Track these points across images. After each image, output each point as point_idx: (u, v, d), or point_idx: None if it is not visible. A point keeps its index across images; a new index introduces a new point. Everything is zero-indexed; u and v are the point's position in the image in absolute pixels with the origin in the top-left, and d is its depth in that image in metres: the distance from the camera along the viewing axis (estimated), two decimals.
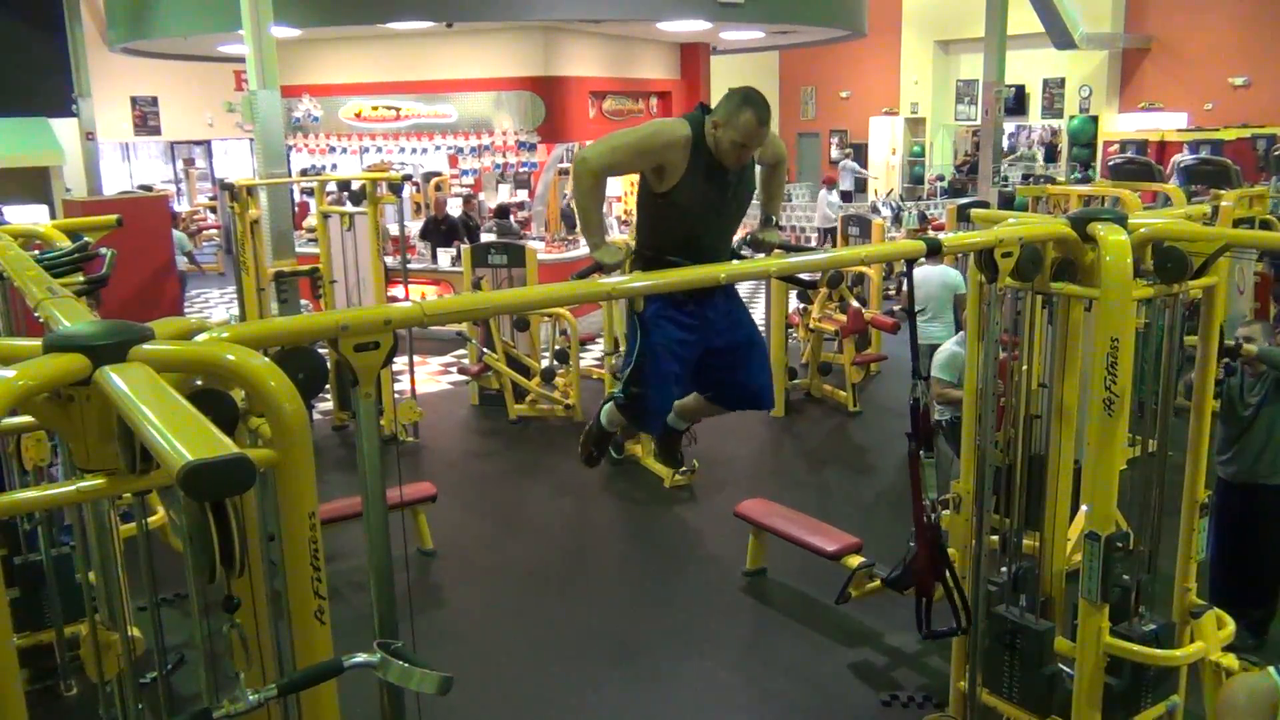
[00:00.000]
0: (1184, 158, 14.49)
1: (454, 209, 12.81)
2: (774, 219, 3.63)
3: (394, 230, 9.40)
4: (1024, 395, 3.75)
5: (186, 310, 13.02)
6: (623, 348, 5.12)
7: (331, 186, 11.44)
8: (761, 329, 9.58)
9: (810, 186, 22.69)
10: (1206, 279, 3.42)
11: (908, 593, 4.60)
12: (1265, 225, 7.50)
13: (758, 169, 3.53)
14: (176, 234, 12.89)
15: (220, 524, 1.48)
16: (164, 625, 2.59)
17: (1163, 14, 19.02)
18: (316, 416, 8.27)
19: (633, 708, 4.57)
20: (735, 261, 3.62)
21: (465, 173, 14.06)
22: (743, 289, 12.72)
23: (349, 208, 8.70)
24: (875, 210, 15.31)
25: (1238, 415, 4.62)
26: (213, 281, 16.22)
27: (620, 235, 11.97)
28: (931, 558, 3.43)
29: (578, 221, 3.31)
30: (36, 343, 1.77)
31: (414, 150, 13.49)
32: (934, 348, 9.20)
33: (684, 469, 7.05)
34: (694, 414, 3.84)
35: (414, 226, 12.54)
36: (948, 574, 3.46)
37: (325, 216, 8.43)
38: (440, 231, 12.07)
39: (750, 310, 3.90)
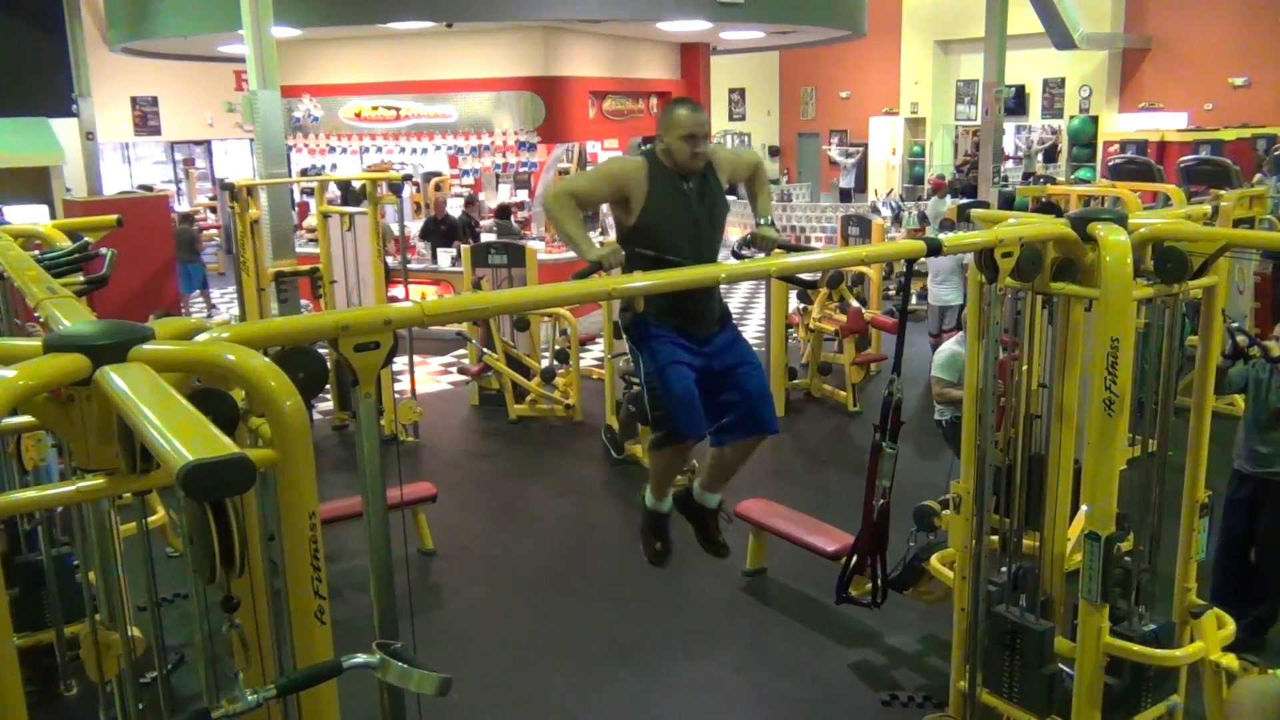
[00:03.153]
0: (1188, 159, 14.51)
1: (454, 209, 12.81)
2: (768, 219, 3.64)
3: (395, 230, 9.40)
4: (1024, 395, 3.75)
5: (186, 311, 13.03)
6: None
7: (333, 188, 11.44)
8: (761, 329, 9.59)
9: (810, 186, 22.70)
10: (1206, 279, 3.42)
11: (907, 592, 4.63)
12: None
13: (727, 185, 3.56)
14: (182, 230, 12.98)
15: (220, 524, 1.48)
16: (164, 625, 2.60)
17: (1163, 14, 19.02)
18: (316, 416, 8.27)
19: (633, 707, 4.57)
20: (734, 261, 3.64)
21: (465, 173, 14.06)
22: (743, 289, 12.76)
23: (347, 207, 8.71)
24: (875, 210, 15.30)
25: (1269, 406, 4.59)
26: (213, 281, 16.21)
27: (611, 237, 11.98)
28: (873, 538, 3.69)
29: (565, 242, 3.32)
30: (36, 343, 1.77)
31: (414, 150, 13.49)
32: (944, 309, 9.37)
33: (685, 469, 7.03)
34: (717, 473, 3.71)
35: (414, 227, 12.54)
36: (879, 558, 3.75)
37: (325, 216, 8.43)
38: (440, 232, 12.07)
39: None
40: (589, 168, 3.41)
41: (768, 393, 3.66)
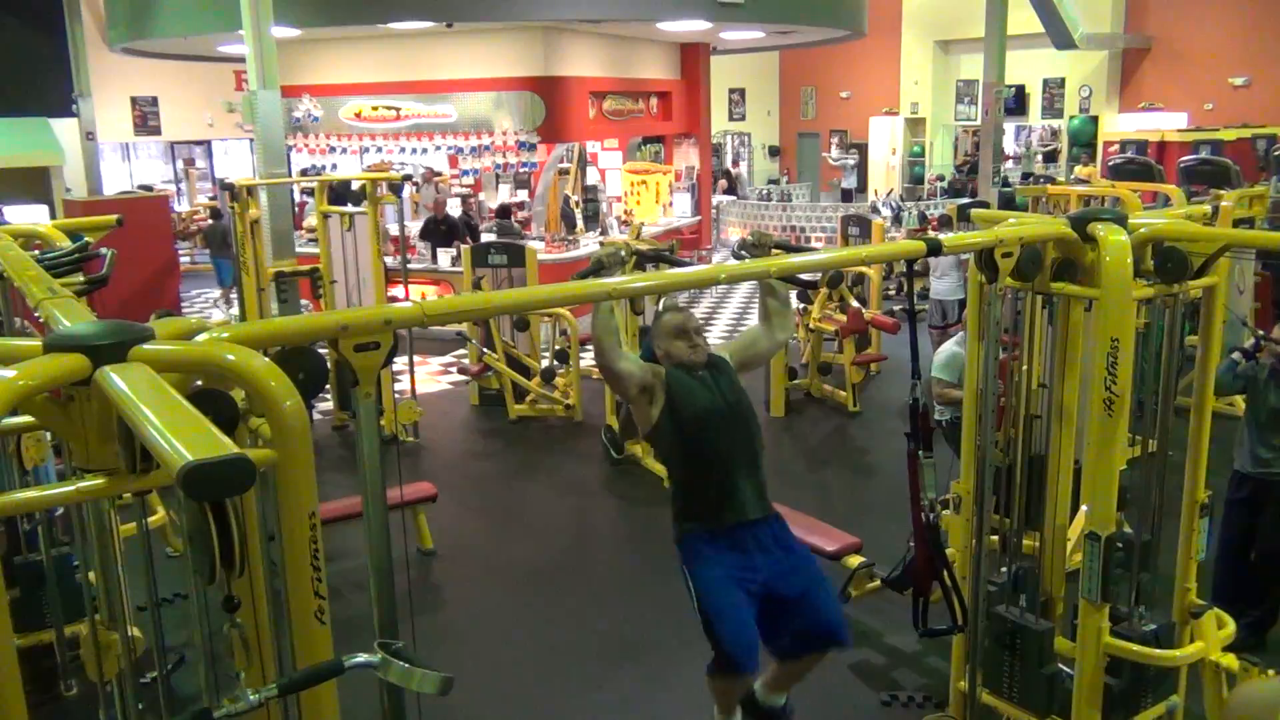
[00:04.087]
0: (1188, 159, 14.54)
1: (453, 209, 12.82)
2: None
3: (393, 230, 9.41)
4: (1024, 395, 3.75)
5: (185, 310, 13.04)
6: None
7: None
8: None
9: (810, 186, 22.71)
10: (1206, 279, 3.42)
11: (907, 593, 4.62)
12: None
13: (739, 365, 3.64)
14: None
15: (220, 524, 1.48)
16: (164, 625, 2.60)
17: (1163, 14, 19.02)
18: (316, 416, 8.27)
19: (633, 707, 4.57)
20: (733, 262, 3.64)
21: (465, 173, 14.06)
22: (743, 289, 12.76)
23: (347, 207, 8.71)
24: (875, 210, 15.30)
25: (1270, 407, 4.59)
26: (213, 281, 16.20)
27: (620, 235, 11.98)
28: (929, 558, 3.44)
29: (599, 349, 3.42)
30: (36, 343, 1.77)
31: (414, 150, 13.49)
32: (941, 303, 9.39)
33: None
34: (783, 681, 3.61)
35: (414, 226, 12.55)
36: (946, 574, 3.46)
37: (325, 216, 8.43)
38: (440, 232, 12.07)
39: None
40: None
41: (834, 602, 3.53)
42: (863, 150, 22.72)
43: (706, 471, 3.39)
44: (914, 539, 3.45)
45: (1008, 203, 12.48)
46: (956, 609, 3.52)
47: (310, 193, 10.95)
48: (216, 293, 14.32)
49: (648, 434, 3.56)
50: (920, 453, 3.23)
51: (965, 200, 12.71)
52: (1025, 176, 17.80)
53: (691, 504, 3.45)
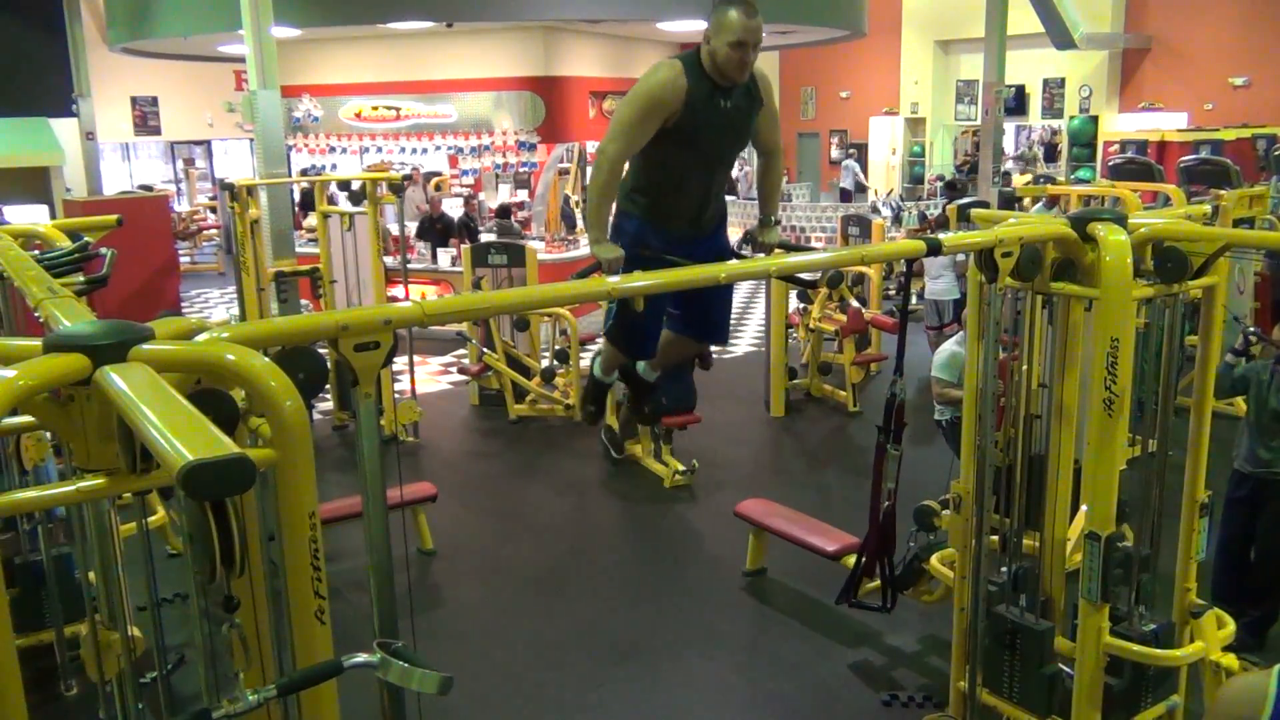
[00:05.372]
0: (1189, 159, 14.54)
1: (449, 209, 12.80)
2: (773, 218, 3.63)
3: (394, 230, 9.41)
4: (1024, 395, 3.75)
5: (185, 310, 13.04)
6: None
7: (333, 189, 11.45)
8: (761, 329, 9.59)
9: (810, 186, 22.70)
10: (1206, 279, 3.42)
11: (907, 593, 4.63)
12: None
13: (754, 159, 3.62)
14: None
15: (220, 524, 1.48)
16: (164, 625, 2.60)
17: (1163, 14, 19.02)
18: (316, 416, 8.27)
19: (633, 707, 4.57)
20: (734, 261, 3.65)
21: (465, 173, 14.07)
22: (742, 289, 12.76)
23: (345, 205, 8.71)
24: (875, 210, 15.30)
25: (1271, 408, 4.59)
26: (213, 281, 16.22)
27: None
28: (881, 541, 3.79)
29: (586, 212, 3.33)
30: (36, 343, 1.76)
31: (414, 150, 13.49)
32: (937, 303, 9.40)
33: (684, 469, 7.05)
34: (661, 356, 3.81)
35: (411, 226, 12.54)
36: (887, 561, 3.87)
37: (325, 216, 8.43)
38: (436, 231, 12.07)
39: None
40: (624, 101, 3.31)
41: (728, 308, 3.80)
42: (863, 150, 22.73)
43: (678, 189, 3.32)
44: (870, 522, 3.75)
45: (1008, 203, 12.48)
46: (889, 593, 4.12)
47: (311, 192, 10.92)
48: (216, 293, 14.34)
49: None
50: (889, 446, 3.39)
51: (965, 200, 12.68)
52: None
53: (648, 193, 3.34)
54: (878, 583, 4.77)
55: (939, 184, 17.12)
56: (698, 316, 3.68)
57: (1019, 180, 15.38)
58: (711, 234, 3.53)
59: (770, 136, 3.50)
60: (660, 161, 3.28)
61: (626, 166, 3.32)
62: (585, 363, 8.87)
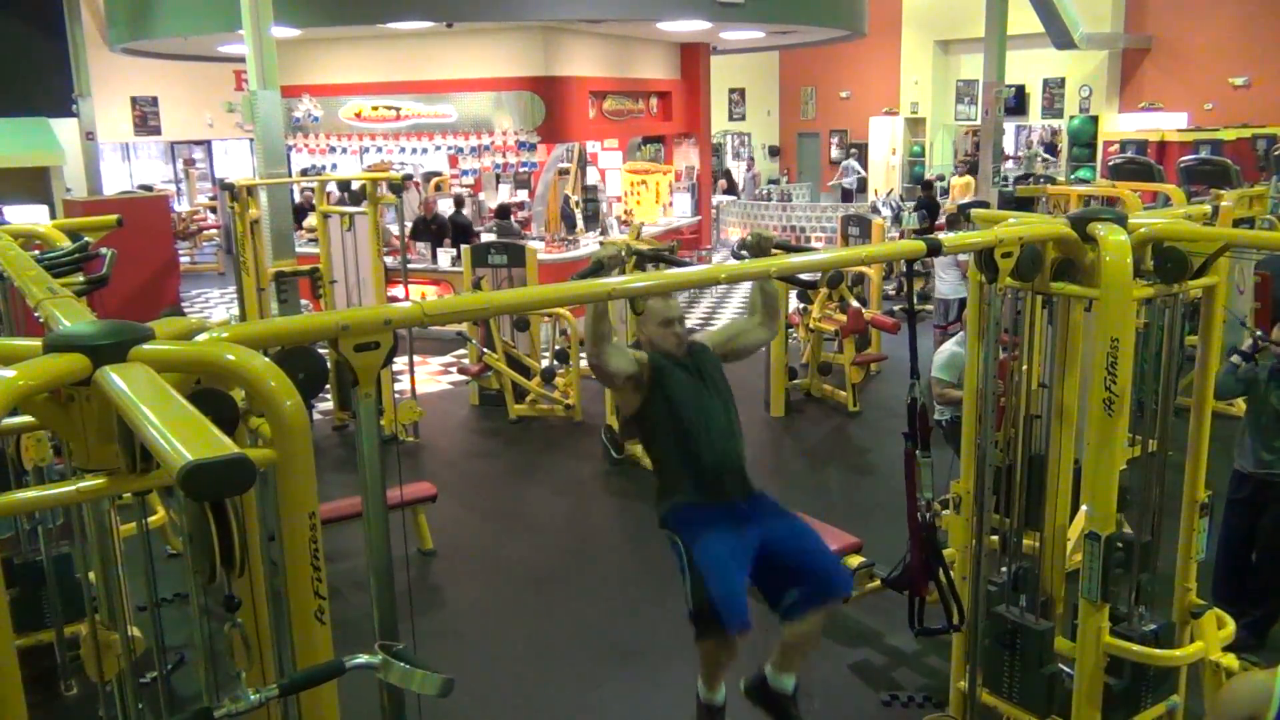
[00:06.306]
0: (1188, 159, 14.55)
1: (444, 209, 12.80)
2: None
3: (394, 230, 9.41)
4: (1024, 395, 3.75)
5: (187, 310, 13.03)
6: None
7: (332, 187, 11.44)
8: None
9: (810, 186, 22.70)
10: (1206, 279, 3.42)
11: (906, 592, 4.62)
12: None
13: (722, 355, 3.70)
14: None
15: (220, 524, 1.48)
16: (164, 625, 2.60)
17: (1163, 14, 19.02)
18: (316, 416, 8.27)
19: (633, 708, 4.57)
20: (734, 262, 3.64)
21: (465, 173, 14.06)
22: (742, 289, 12.74)
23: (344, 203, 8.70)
24: (875, 210, 15.30)
25: (1272, 409, 4.59)
26: (213, 281, 16.22)
27: (620, 235, 11.97)
28: (925, 558, 3.43)
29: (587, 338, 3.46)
30: (36, 343, 1.76)
31: (414, 150, 13.49)
32: (945, 302, 9.45)
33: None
34: (791, 652, 3.50)
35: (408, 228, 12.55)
36: (942, 574, 3.46)
37: (325, 216, 8.43)
38: (430, 231, 12.07)
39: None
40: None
41: (829, 552, 3.56)
42: (863, 150, 22.73)
43: (691, 453, 3.41)
44: (910, 539, 3.45)
45: (1008, 203, 12.48)
46: (953, 610, 3.51)
47: (311, 192, 10.92)
48: (216, 293, 14.34)
49: (630, 417, 3.57)
50: (918, 453, 3.24)
51: (965, 200, 12.67)
52: (1024, 176, 17.78)
53: (678, 482, 3.45)
54: (876, 583, 4.78)
55: (939, 184, 17.10)
56: (804, 570, 3.31)
57: (958, 183, 15.46)
58: (758, 493, 3.52)
59: (751, 338, 3.77)
60: (668, 436, 3.46)
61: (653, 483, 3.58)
62: (585, 363, 8.88)
